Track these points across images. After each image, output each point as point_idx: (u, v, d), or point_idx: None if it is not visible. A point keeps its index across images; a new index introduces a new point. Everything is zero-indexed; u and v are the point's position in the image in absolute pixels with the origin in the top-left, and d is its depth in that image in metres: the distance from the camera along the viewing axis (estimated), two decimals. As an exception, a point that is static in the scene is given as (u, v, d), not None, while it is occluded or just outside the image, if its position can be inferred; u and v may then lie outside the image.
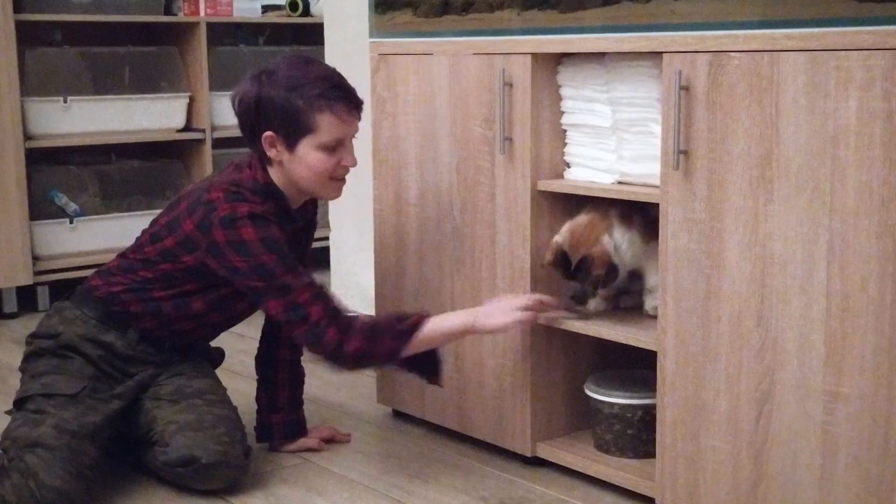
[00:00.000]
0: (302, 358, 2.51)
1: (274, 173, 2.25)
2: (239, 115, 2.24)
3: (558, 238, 2.18)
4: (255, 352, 2.52)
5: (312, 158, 2.19)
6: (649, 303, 2.21)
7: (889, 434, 1.71)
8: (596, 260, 2.14)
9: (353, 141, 2.26)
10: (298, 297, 2.14)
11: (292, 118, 2.17)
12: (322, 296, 2.16)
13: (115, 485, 2.27)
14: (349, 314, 2.18)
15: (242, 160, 2.29)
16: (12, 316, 3.77)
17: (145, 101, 4.10)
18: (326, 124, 2.18)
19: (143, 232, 2.35)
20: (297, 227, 2.34)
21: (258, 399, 2.50)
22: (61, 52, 3.97)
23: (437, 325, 2.19)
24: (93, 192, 4.03)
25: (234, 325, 2.47)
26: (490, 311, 2.20)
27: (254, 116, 2.21)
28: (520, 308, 2.19)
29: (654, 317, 2.17)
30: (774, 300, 1.83)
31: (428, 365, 2.29)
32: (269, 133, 2.19)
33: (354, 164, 2.26)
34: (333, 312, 2.15)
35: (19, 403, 2.24)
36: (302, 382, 2.53)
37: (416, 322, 2.17)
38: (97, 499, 2.17)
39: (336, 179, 2.26)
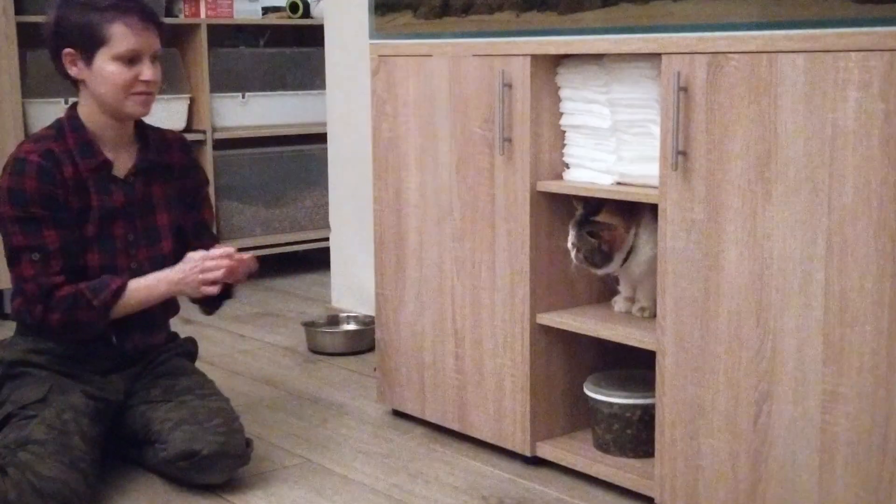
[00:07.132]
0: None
1: (82, 106, 2.31)
2: (45, 42, 2.31)
3: (611, 201, 2.18)
4: (256, 352, 2.52)
5: (109, 71, 2.24)
6: (635, 306, 2.28)
7: (888, 433, 1.71)
8: (613, 234, 2.17)
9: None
10: (23, 270, 2.22)
11: (87, 32, 2.23)
12: (41, 273, 2.20)
13: (115, 483, 2.27)
14: (60, 288, 2.21)
15: None
16: (13, 317, 3.78)
17: (146, 103, 4.10)
18: (119, 35, 2.23)
19: None
20: (101, 163, 2.30)
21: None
22: (62, 53, 3.97)
23: (137, 292, 2.27)
24: (93, 193, 4.03)
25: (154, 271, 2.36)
26: (188, 279, 2.28)
27: (54, 37, 2.27)
28: (215, 268, 2.27)
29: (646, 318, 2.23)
30: (773, 300, 1.83)
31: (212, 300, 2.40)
32: (68, 50, 2.25)
33: (154, 79, 2.30)
34: (45, 290, 2.21)
35: (1, 424, 2.23)
36: None
37: (113, 294, 2.23)
38: (98, 497, 2.18)
39: (137, 94, 2.28)
